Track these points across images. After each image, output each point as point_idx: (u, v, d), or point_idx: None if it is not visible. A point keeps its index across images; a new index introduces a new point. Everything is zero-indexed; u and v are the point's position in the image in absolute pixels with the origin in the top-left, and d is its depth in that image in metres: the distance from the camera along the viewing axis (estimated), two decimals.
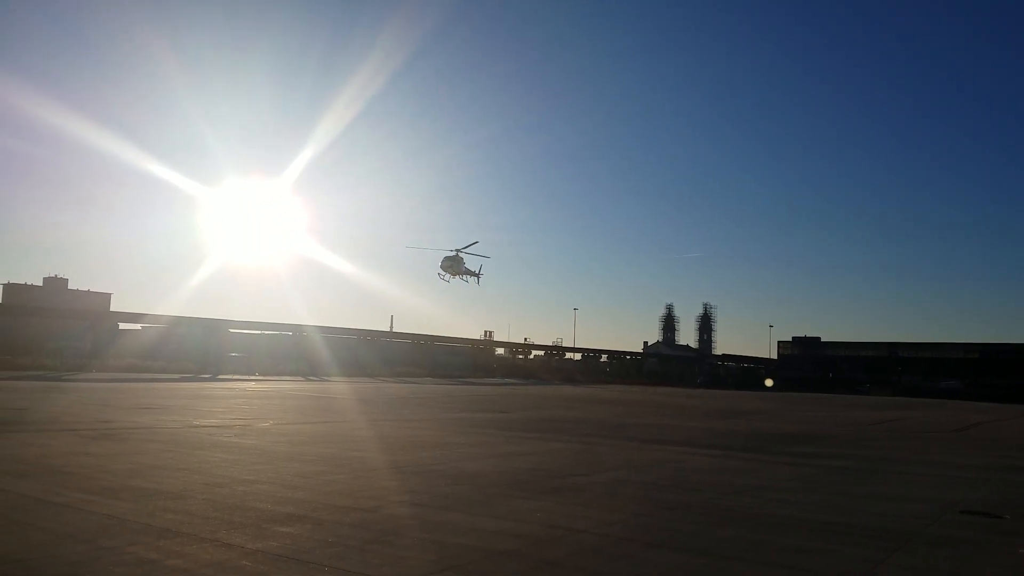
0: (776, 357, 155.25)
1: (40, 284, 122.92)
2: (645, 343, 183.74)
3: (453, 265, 50.01)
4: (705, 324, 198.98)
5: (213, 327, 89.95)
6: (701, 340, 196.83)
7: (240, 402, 32.66)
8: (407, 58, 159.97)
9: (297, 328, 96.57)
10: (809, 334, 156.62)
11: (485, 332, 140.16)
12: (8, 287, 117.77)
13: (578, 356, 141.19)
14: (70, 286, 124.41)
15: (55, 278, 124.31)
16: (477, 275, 53.28)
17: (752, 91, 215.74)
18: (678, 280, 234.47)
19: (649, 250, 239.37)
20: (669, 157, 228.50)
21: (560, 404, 40.10)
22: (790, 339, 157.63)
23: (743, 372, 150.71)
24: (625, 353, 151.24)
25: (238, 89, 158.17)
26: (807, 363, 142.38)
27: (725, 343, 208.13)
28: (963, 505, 11.09)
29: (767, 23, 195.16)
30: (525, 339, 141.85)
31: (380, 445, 16.75)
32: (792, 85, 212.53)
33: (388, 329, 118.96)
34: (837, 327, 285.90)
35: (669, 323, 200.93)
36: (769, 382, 68.15)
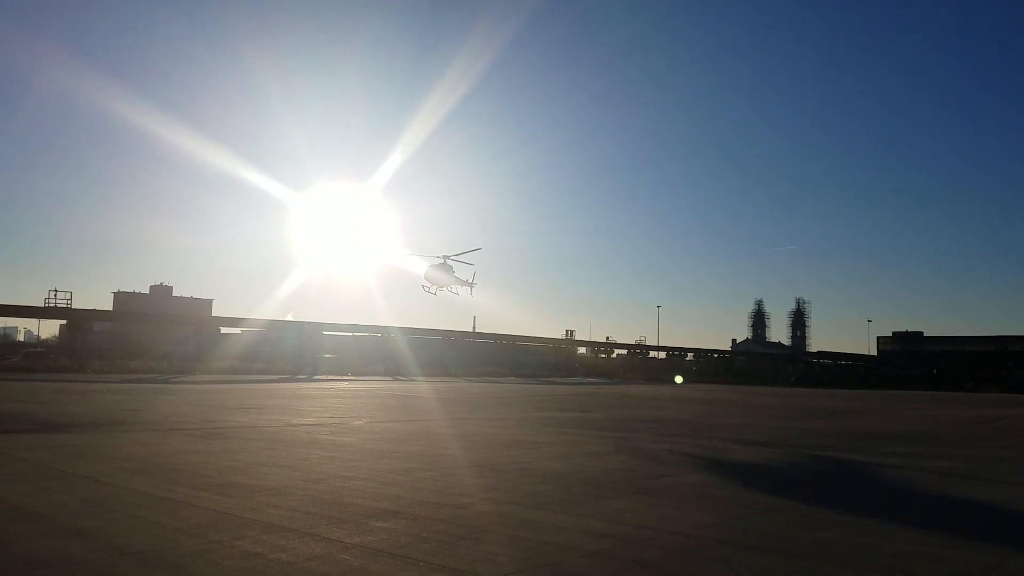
0: (876, 353, 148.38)
1: (147, 292, 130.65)
2: (733, 341, 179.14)
3: (441, 275, 43.54)
4: (798, 320, 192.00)
5: (307, 330, 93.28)
6: (794, 337, 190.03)
7: (334, 401, 33.77)
8: (491, 64, 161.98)
9: (385, 330, 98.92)
10: (911, 329, 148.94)
11: (566, 331, 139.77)
12: (118, 295, 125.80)
13: (662, 355, 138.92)
14: (174, 293, 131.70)
15: (161, 286, 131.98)
16: (470, 284, 46.70)
17: (844, 78, 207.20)
18: (768, 275, 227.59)
19: (737, 244, 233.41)
20: (757, 149, 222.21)
21: (645, 404, 39.56)
22: (890, 334, 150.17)
23: (840, 370, 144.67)
24: (712, 351, 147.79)
25: (330, 95, 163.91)
26: (908, 359, 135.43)
27: (820, 340, 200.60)
28: None
29: (873, 15, 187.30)
30: (607, 338, 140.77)
31: (467, 443, 16.98)
32: (882, 76, 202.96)
33: (471, 330, 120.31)
34: (940, 321, 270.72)
35: (759, 320, 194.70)
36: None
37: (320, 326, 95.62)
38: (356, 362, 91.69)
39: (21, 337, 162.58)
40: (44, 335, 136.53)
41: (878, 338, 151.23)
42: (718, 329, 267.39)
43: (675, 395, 54.10)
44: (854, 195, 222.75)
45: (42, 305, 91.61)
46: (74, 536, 7.15)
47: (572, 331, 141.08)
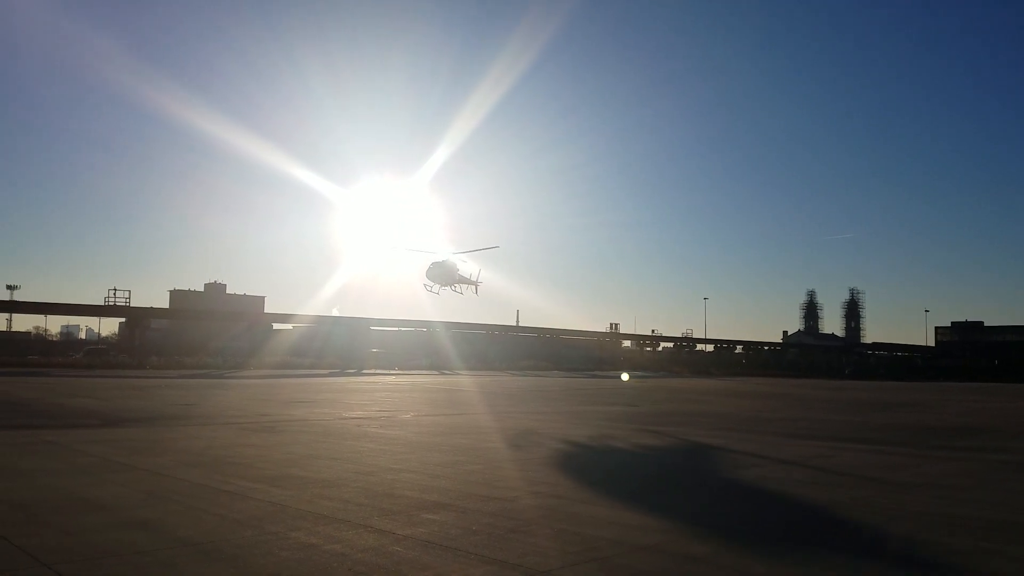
0: (934, 344, 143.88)
1: (202, 290, 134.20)
2: (784, 332, 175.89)
3: (444, 273, 39.76)
4: (852, 310, 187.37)
5: (356, 325, 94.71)
6: (848, 328, 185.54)
7: (383, 395, 34.24)
8: (535, 58, 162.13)
9: (430, 325, 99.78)
10: (971, 318, 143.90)
11: (610, 325, 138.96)
12: (174, 293, 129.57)
13: (710, 348, 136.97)
14: (228, 290, 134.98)
15: (215, 284, 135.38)
16: (475, 283, 42.57)
17: (905, 62, 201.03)
18: (820, 264, 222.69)
19: (787, 233, 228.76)
20: (806, 134, 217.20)
21: (692, 398, 39.11)
22: (948, 324, 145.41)
23: (897, 362, 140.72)
24: (762, 344, 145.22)
25: (377, 91, 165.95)
26: (968, 350, 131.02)
27: (875, 331, 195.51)
28: None
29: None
30: (652, 331, 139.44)
31: (512, 437, 17.03)
32: (944, 61, 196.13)
33: (514, 324, 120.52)
34: (1002, 310, 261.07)
35: (811, 310, 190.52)
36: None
37: (367, 321, 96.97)
38: (402, 357, 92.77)
39: (83, 335, 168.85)
40: (104, 332, 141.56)
41: (936, 328, 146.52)
42: (768, 321, 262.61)
43: (723, 389, 53.37)
44: (910, 181, 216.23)
45: (102, 304, 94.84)
46: (137, 527, 7.39)
47: (616, 324, 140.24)
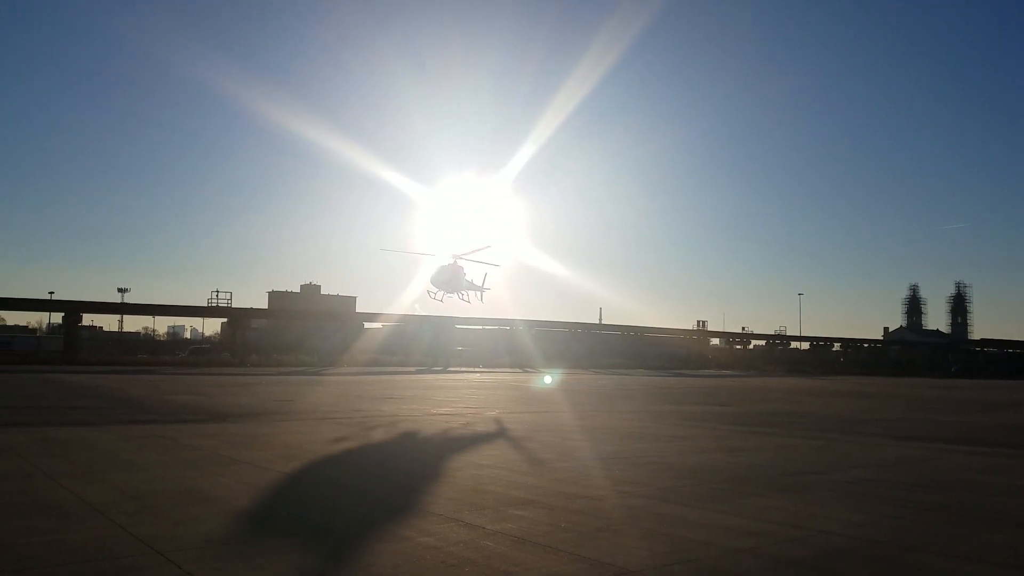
0: None
1: (298, 291, 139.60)
2: (885, 329, 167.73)
3: (450, 279, 36.08)
4: (958, 305, 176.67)
5: (441, 324, 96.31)
6: (954, 324, 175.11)
7: (468, 392, 34.69)
8: (621, 55, 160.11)
9: (513, 323, 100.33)
10: None
11: (698, 322, 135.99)
12: (272, 294, 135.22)
13: (805, 345, 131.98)
14: (322, 291, 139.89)
15: (310, 285, 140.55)
16: (480, 289, 38.81)
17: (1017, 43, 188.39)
18: (922, 258, 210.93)
19: (887, 225, 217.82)
20: (905, 124, 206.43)
21: (786, 397, 37.82)
22: None
23: (1008, 359, 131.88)
24: (861, 341, 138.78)
25: (462, 87, 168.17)
26: None
27: (983, 327, 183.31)
28: None
29: None
30: (743, 328, 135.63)
31: (598, 435, 16.92)
32: None
33: (597, 322, 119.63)
34: None
35: (914, 306, 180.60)
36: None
37: (452, 320, 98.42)
38: (486, 354, 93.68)
39: (188, 334, 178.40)
40: (207, 332, 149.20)
41: None
42: (868, 317, 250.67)
43: (819, 389, 51.42)
44: (1018, 168, 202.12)
45: (205, 305, 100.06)
46: (242, 517, 7.76)
47: (704, 322, 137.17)
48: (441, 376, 59.09)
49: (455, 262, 36.72)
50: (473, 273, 38.49)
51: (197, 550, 6.38)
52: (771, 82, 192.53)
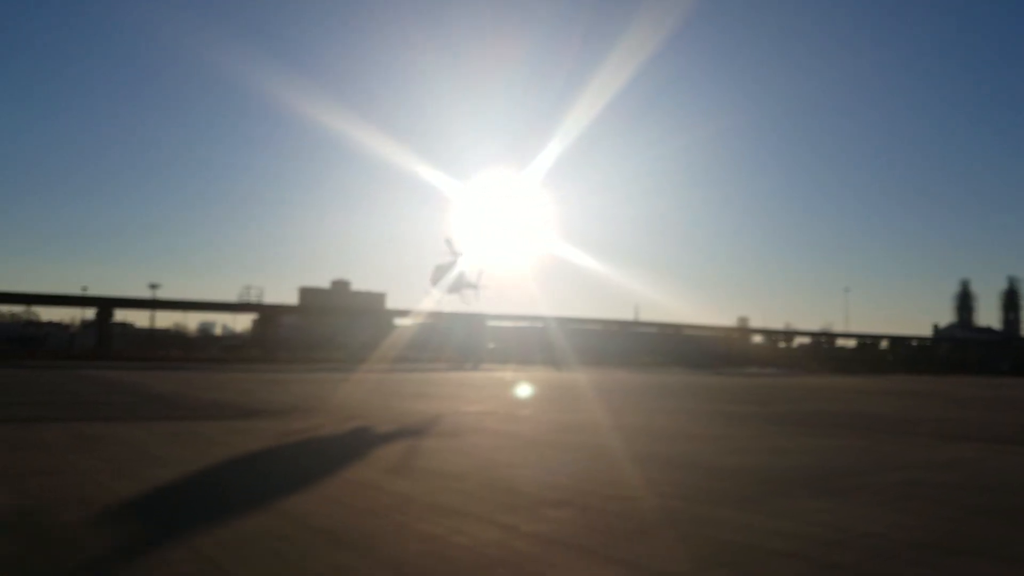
0: None
1: (328, 287, 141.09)
2: (935, 326, 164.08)
3: (449, 279, 35.00)
4: (1011, 301, 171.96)
5: (472, 321, 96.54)
6: (1007, 320, 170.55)
7: (499, 390, 34.60)
8: (659, 45, 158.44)
9: (545, 320, 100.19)
10: None
11: (739, 319, 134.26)
12: (303, 290, 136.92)
13: (852, 343, 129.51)
14: (352, 288, 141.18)
15: (340, 281, 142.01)
16: (476, 287, 37.68)
17: None
18: (974, 251, 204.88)
19: (937, 218, 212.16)
20: (958, 110, 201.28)
21: (832, 396, 37.05)
22: None
23: None
24: (910, 338, 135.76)
25: (496, 81, 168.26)
26: None
27: None
28: None
29: None
30: (786, 325, 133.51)
31: (634, 435, 16.68)
32: None
33: (632, 319, 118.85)
34: None
35: (964, 302, 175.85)
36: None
37: (484, 317, 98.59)
38: (518, 352, 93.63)
39: (219, 331, 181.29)
40: (238, 328, 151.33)
41: None
42: (917, 314, 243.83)
43: (867, 387, 50.43)
44: None
45: (237, 301, 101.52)
46: (275, 514, 7.72)
47: (745, 318, 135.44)
48: (472, 374, 59.10)
49: (455, 259, 35.97)
50: (478, 273, 37.72)
51: (227, 547, 6.34)
52: (816, 72, 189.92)
